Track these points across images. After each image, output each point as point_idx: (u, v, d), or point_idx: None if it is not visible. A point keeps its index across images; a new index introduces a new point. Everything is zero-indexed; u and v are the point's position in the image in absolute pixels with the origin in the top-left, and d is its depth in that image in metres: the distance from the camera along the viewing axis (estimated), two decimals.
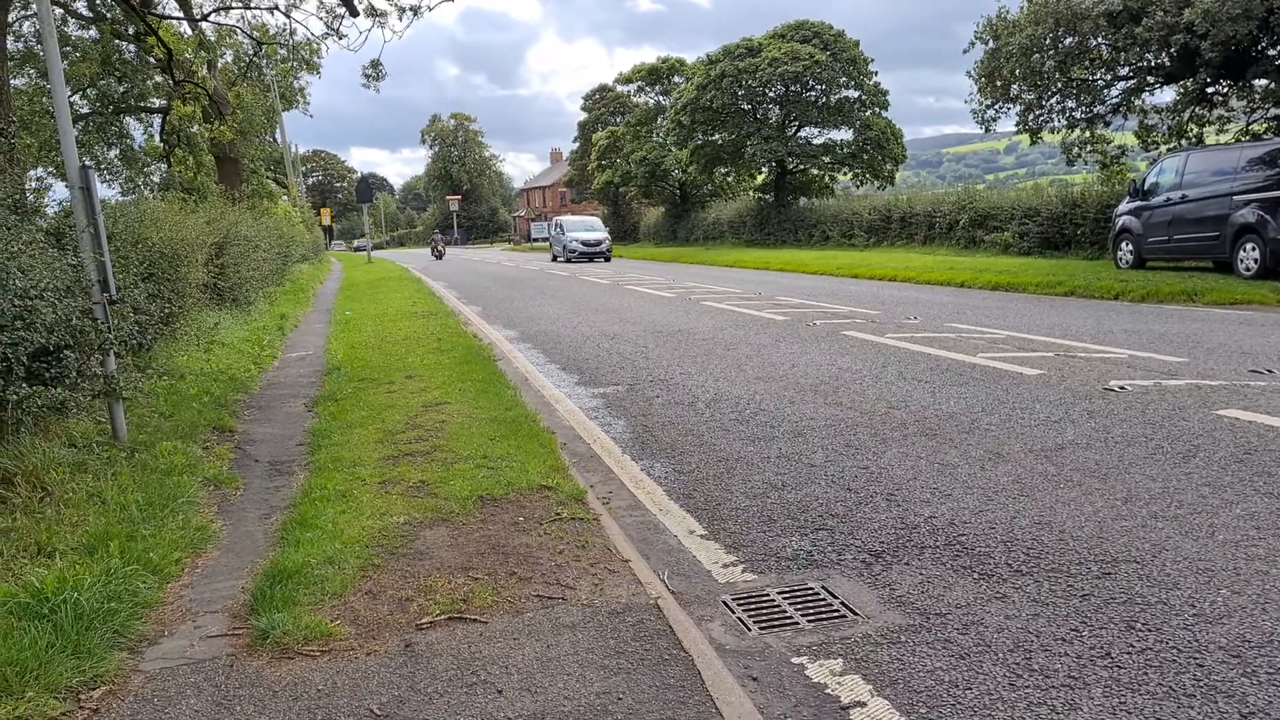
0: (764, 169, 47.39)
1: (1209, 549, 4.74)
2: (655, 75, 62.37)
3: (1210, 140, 23.52)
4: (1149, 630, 3.93)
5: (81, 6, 23.50)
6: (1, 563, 4.72)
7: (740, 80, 43.15)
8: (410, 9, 18.43)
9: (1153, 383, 8.72)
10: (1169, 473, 6.01)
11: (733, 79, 43.20)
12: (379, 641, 4.06)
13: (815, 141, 45.67)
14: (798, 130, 45.76)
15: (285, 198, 44.17)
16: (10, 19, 17.28)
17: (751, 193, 50.93)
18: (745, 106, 45.04)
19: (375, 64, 22.06)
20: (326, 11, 19.74)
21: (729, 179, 52.81)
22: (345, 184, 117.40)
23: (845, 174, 45.37)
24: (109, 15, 22.83)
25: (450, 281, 30.46)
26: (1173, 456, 6.36)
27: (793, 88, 43.63)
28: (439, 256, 55.22)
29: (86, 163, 6.95)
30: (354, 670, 3.83)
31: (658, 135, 57.30)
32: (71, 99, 26.26)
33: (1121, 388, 8.56)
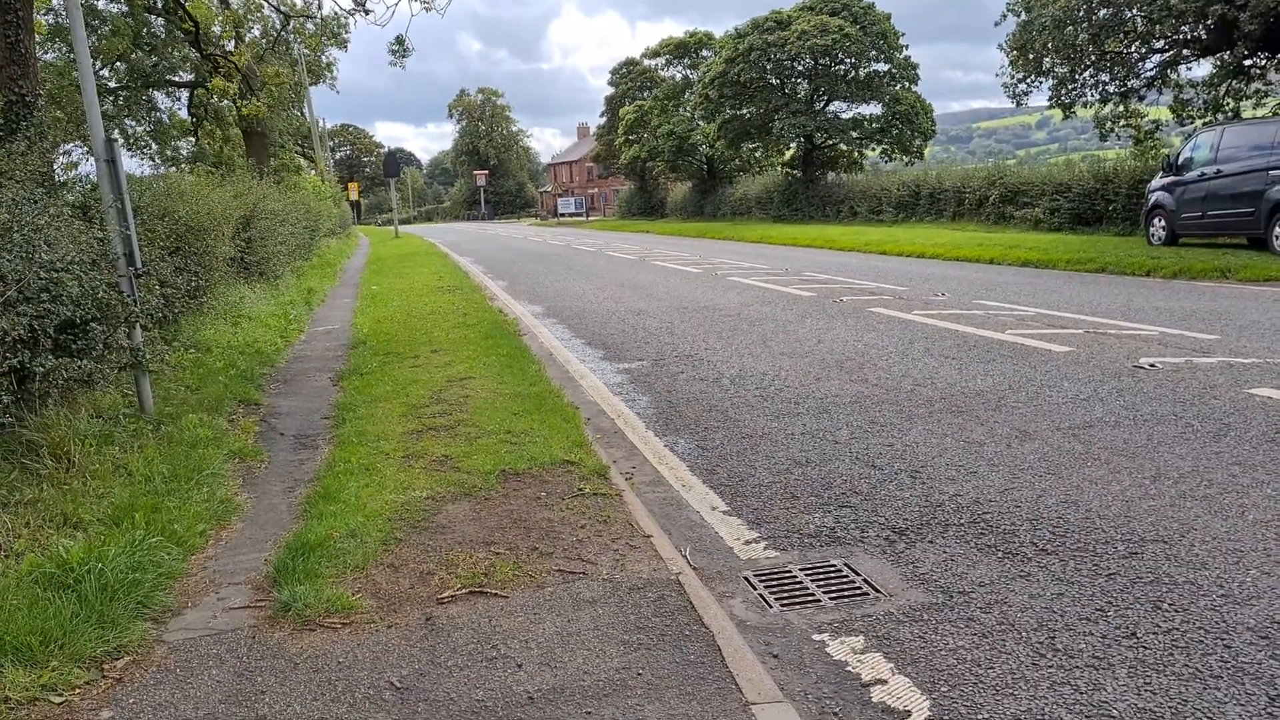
0: (792, 144, 46.93)
1: (1239, 529, 4.67)
2: (683, 49, 61.91)
3: (1247, 114, 23.07)
4: (1176, 610, 3.88)
5: None
6: (28, 533, 4.77)
7: (769, 54, 42.69)
8: None
9: (1184, 360, 8.60)
10: (1199, 451, 5.92)
11: (761, 52, 42.75)
12: (400, 615, 4.08)
13: (844, 116, 45.15)
14: (826, 105, 45.28)
15: (313, 171, 44.30)
16: None
17: (779, 168, 50.50)
18: (774, 80, 44.59)
19: (400, 40, 21.81)
20: None
21: (757, 154, 52.34)
22: (373, 159, 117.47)
23: (874, 149, 44.86)
24: None
25: (477, 256, 30.49)
26: (1203, 435, 6.26)
27: (822, 61, 43.13)
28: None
29: (114, 136, 6.97)
30: (374, 643, 3.85)
31: (685, 110, 56.89)
32: (101, 73, 26.41)
33: (1152, 365, 8.44)
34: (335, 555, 4.65)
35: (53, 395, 6.20)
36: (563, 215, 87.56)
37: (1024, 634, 3.76)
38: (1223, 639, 3.63)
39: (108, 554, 4.38)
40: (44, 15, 23.24)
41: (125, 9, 24.07)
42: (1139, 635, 3.70)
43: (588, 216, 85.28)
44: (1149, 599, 3.99)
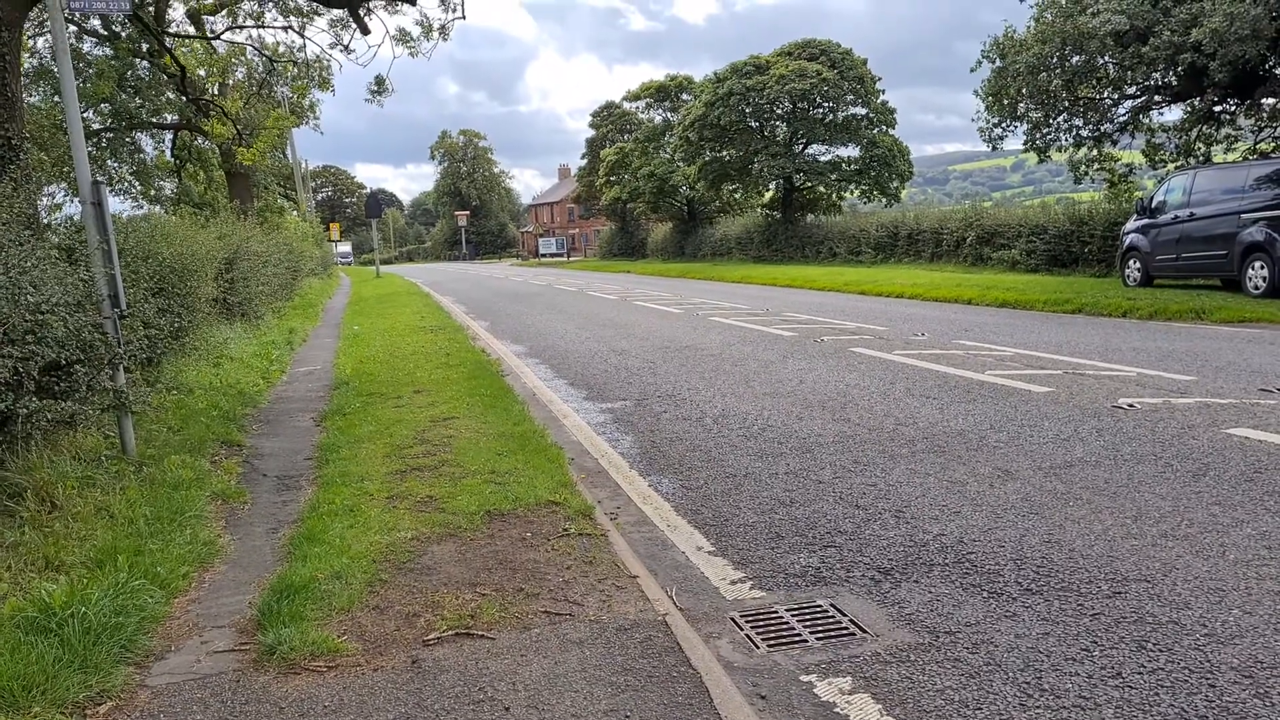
0: (771, 186, 47.45)
1: (1220, 568, 4.71)
2: (663, 92, 62.70)
3: (1218, 159, 23.49)
4: (1160, 650, 3.91)
5: (97, 24, 23.64)
6: (10, 577, 4.72)
7: (748, 98, 43.26)
8: (438, 29, 18.23)
9: (1161, 401, 8.69)
10: (1179, 491, 5.98)
11: (740, 96, 43.33)
12: (386, 658, 4.06)
13: (822, 158, 45.74)
14: (805, 147, 45.85)
15: (295, 212, 44.32)
16: (24, 36, 17.37)
17: (759, 209, 51.01)
18: (753, 123, 45.14)
19: (380, 80, 21.90)
20: (334, 32, 19.61)
21: (737, 195, 52.87)
22: (354, 199, 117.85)
23: (852, 191, 45.38)
24: (123, 34, 22.95)
25: (459, 296, 30.51)
26: (1182, 475, 6.33)
27: (800, 105, 43.75)
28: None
29: (99, 178, 7.00)
30: (360, 686, 3.82)
31: (666, 151, 57.45)
32: (85, 115, 26.40)
33: (1130, 405, 8.53)
34: (320, 597, 4.63)
35: (35, 438, 6.16)
36: (544, 255, 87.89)
37: (1011, 674, 3.78)
38: (1207, 679, 3.66)
39: (90, 597, 4.34)
40: (28, 57, 23.28)
41: (111, 53, 24.10)
42: (1124, 675, 3.72)
43: (569, 257, 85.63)
44: (1133, 638, 4.02)
